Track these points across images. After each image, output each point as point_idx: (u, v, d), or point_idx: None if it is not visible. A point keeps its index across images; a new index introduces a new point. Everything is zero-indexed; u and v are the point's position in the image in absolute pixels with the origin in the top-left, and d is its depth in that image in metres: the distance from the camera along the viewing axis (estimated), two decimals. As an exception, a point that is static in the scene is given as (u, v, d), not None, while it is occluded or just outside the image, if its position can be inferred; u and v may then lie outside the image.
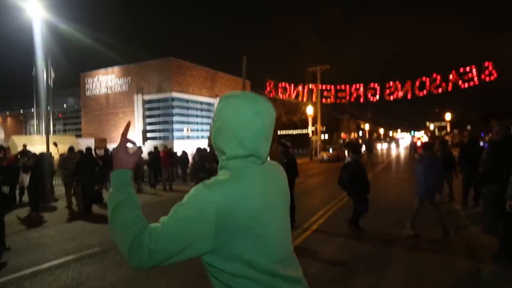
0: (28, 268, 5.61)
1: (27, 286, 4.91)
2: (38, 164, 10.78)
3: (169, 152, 16.72)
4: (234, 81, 39.14)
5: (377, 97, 33.63)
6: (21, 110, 39.95)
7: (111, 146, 20.10)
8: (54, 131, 35.77)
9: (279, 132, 37.75)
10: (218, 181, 1.29)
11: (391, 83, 33.14)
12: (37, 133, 31.43)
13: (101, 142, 28.45)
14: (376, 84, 33.75)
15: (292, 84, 34.94)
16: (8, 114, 43.74)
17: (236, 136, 1.35)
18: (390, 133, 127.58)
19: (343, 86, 35.15)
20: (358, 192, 6.95)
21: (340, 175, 7.19)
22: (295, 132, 50.39)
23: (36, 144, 19.52)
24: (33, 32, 18.75)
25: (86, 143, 26.62)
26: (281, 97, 34.46)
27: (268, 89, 33.91)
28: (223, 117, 1.38)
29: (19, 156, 14.05)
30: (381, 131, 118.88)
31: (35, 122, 33.52)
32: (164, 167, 15.61)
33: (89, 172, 10.62)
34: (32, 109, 32.41)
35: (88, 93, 36.59)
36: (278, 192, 1.45)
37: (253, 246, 1.27)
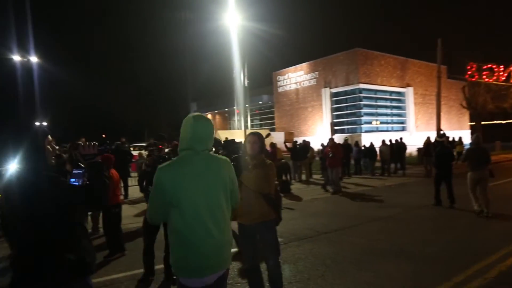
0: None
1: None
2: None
3: (338, 144, 13.67)
4: (427, 68, 35.83)
5: None
6: (225, 108, 45.47)
7: (300, 139, 21.04)
8: (252, 126, 39.58)
9: (483, 122, 32.73)
10: (166, 164, 2.29)
11: None
12: (238, 128, 35.34)
13: (289, 136, 30.13)
14: None
15: (501, 66, 29.73)
16: (216, 112, 50.60)
17: (184, 137, 2.33)
18: None
19: None
20: None
21: None
22: (504, 122, 43.02)
23: (236, 137, 21.88)
24: (231, 38, 21.06)
25: (278, 136, 28.63)
26: (486, 81, 29.71)
27: (469, 73, 29.68)
28: (181, 127, 2.36)
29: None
30: None
31: (235, 118, 37.74)
32: (330, 167, 12.02)
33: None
34: (234, 107, 36.51)
35: (280, 89, 39.17)
36: (212, 173, 2.30)
37: (182, 200, 2.18)
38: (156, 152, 5.51)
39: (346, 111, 32.50)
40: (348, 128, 32.08)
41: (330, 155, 11.76)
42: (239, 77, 25.32)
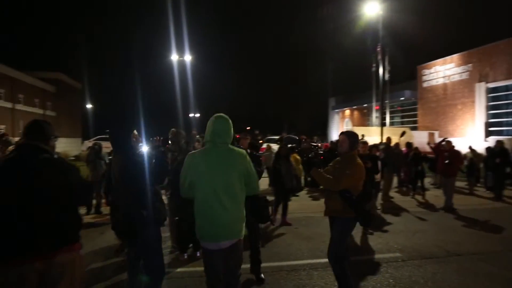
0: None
1: (314, 275, 5.03)
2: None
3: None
4: None
5: None
6: (364, 104, 43.68)
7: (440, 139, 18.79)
8: (392, 123, 37.24)
9: None
10: (194, 152, 3.11)
11: None
12: (377, 126, 33.67)
13: (431, 137, 27.32)
14: None
15: None
16: (354, 108, 49.10)
17: (207, 132, 3.04)
18: None
19: None
20: None
21: None
22: None
23: (372, 135, 20.75)
24: (370, 30, 20.05)
25: (420, 136, 26.31)
26: None
27: None
28: (207, 125, 3.08)
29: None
30: None
31: (373, 114, 35.94)
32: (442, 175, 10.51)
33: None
34: (372, 103, 34.86)
35: (424, 84, 35.93)
36: (227, 161, 2.98)
37: (202, 181, 2.91)
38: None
39: (506, 110, 27.98)
40: (507, 130, 27.61)
41: (447, 161, 9.77)
42: (379, 71, 24.13)
